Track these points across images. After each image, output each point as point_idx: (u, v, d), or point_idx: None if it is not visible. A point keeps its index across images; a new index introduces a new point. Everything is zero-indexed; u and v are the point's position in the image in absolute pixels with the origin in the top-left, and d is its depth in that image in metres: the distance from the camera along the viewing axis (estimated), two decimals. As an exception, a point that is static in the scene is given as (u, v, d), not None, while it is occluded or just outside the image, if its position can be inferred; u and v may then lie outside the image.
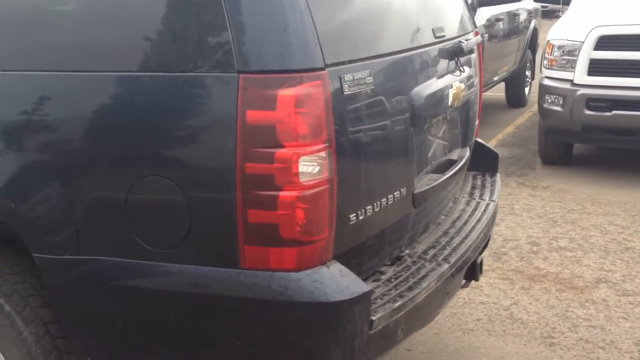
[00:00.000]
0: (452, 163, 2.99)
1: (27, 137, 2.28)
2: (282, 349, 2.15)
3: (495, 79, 8.96)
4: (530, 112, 9.85)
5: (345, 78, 2.15)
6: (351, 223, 2.24)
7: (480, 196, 3.33)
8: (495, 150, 3.74)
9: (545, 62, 6.99)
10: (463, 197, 3.32)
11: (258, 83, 2.01)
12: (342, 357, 2.13)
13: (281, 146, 2.01)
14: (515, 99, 10.26)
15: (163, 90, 2.11)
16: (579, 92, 6.53)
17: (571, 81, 6.64)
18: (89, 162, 2.20)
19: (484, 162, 3.68)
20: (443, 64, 2.83)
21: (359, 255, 2.38)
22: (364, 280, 2.45)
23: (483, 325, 3.92)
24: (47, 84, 2.25)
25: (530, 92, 10.47)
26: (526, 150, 7.85)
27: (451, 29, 3.03)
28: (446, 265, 2.57)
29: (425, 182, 2.71)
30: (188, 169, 2.10)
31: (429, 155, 2.81)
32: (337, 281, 2.12)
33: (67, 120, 2.22)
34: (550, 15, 19.78)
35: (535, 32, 10.36)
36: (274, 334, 2.13)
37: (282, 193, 2.03)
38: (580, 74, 6.58)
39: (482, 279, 4.44)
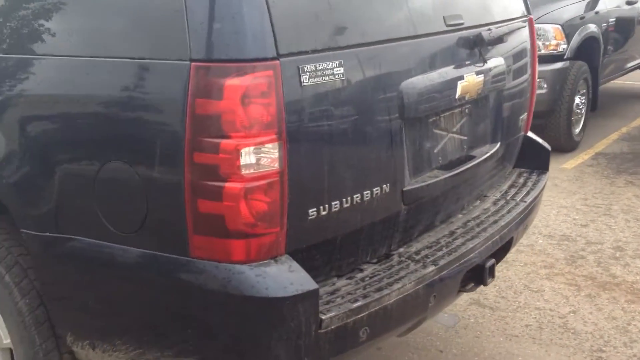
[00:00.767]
0: (470, 159, 2.83)
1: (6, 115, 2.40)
2: (226, 341, 2.13)
3: (631, 65, 8.37)
4: (668, 105, 9.14)
5: (305, 68, 2.08)
6: (311, 218, 2.17)
7: (513, 196, 3.12)
8: (546, 145, 3.49)
9: None
10: (493, 196, 3.13)
11: (207, 72, 1.99)
12: (286, 355, 2.08)
13: (227, 136, 1.98)
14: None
15: (123, 76, 2.14)
16: None
17: None
18: (63, 144, 2.28)
19: (534, 159, 3.45)
20: (454, 54, 2.66)
21: (328, 252, 2.30)
22: (340, 277, 2.39)
23: (530, 332, 3.70)
24: (28, 66, 2.35)
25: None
26: (648, 147, 7.30)
27: (477, 16, 2.84)
28: (431, 268, 2.44)
29: (424, 179, 2.58)
30: (144, 156, 2.11)
31: (436, 150, 2.67)
32: (282, 277, 2.06)
33: (40, 100, 2.31)
34: None
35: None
36: (218, 325, 2.11)
37: (227, 184, 2.00)
38: None
39: (546, 283, 4.23)
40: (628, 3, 7.98)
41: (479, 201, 3.07)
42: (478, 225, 2.81)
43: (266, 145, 2.01)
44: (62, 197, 2.29)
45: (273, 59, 2.01)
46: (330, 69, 2.15)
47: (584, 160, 6.80)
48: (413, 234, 2.65)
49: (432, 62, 2.55)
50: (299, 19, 2.11)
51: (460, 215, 2.92)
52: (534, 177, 3.36)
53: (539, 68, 6.51)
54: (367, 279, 2.37)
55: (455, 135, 2.79)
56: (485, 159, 2.91)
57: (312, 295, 2.08)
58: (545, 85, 6.57)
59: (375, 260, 2.50)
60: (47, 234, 2.34)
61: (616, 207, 5.55)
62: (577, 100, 6.98)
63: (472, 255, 2.63)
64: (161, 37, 2.07)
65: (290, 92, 2.05)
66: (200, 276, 2.08)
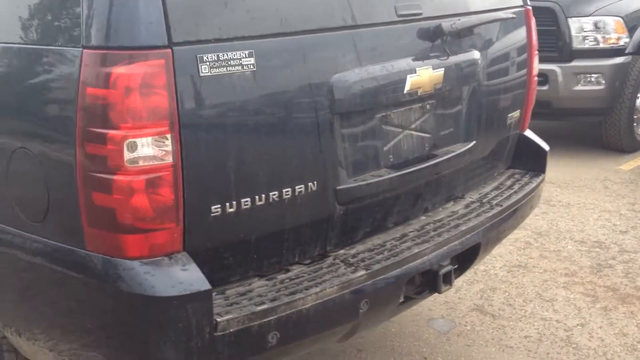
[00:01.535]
0: (431, 158, 2.65)
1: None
2: (121, 339, 2.07)
3: None
4: None
5: (205, 58, 1.99)
6: (215, 215, 2.08)
7: (492, 199, 2.92)
8: (543, 146, 3.24)
9: None
10: (470, 198, 2.93)
11: (97, 60, 1.93)
12: (176, 356, 2.00)
13: (114, 127, 1.92)
14: None
15: (24, 63, 2.12)
16: None
17: None
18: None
19: (530, 160, 3.22)
20: (405, 46, 2.50)
21: (243, 252, 2.20)
22: (261, 278, 2.28)
23: (527, 344, 3.47)
24: None
25: None
26: None
27: (443, 6, 2.65)
28: (362, 272, 2.30)
29: (365, 178, 2.43)
30: (44, 145, 2.08)
31: (386, 148, 2.51)
32: (172, 275, 1.98)
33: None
34: None
35: None
36: (113, 322, 2.06)
37: (116, 177, 1.94)
38: None
39: (561, 292, 3.98)
40: None
41: (451, 203, 2.89)
42: (435, 229, 2.63)
43: (157, 138, 1.94)
44: None
45: (165, 47, 1.92)
46: (238, 59, 2.05)
47: (644, 162, 6.37)
48: (356, 235, 2.51)
49: (374, 55, 2.39)
50: (201, 6, 2.01)
51: (423, 218, 2.75)
52: (525, 179, 3.14)
53: (596, 63, 6.21)
54: (288, 281, 2.25)
55: (413, 132, 2.62)
56: (452, 158, 2.72)
57: (203, 296, 1.99)
58: (603, 81, 6.19)
59: (307, 262, 2.38)
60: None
61: (667, 214, 5.16)
62: (640, 98, 6.54)
63: (418, 260, 2.46)
64: (55, 23, 2.02)
65: (186, 82, 1.96)
66: (94, 271, 2.02)
